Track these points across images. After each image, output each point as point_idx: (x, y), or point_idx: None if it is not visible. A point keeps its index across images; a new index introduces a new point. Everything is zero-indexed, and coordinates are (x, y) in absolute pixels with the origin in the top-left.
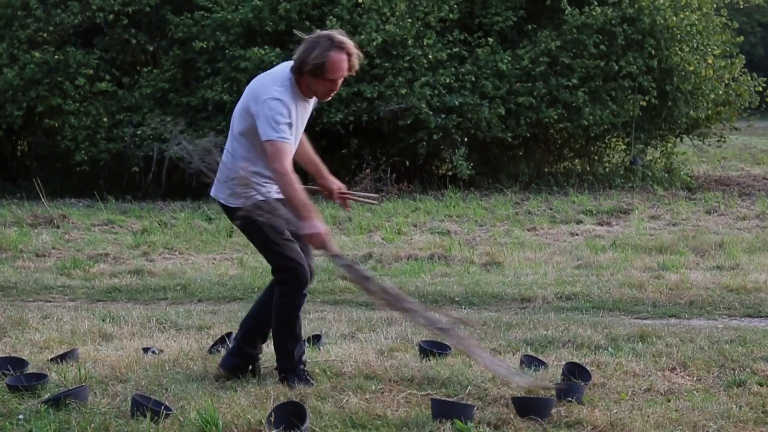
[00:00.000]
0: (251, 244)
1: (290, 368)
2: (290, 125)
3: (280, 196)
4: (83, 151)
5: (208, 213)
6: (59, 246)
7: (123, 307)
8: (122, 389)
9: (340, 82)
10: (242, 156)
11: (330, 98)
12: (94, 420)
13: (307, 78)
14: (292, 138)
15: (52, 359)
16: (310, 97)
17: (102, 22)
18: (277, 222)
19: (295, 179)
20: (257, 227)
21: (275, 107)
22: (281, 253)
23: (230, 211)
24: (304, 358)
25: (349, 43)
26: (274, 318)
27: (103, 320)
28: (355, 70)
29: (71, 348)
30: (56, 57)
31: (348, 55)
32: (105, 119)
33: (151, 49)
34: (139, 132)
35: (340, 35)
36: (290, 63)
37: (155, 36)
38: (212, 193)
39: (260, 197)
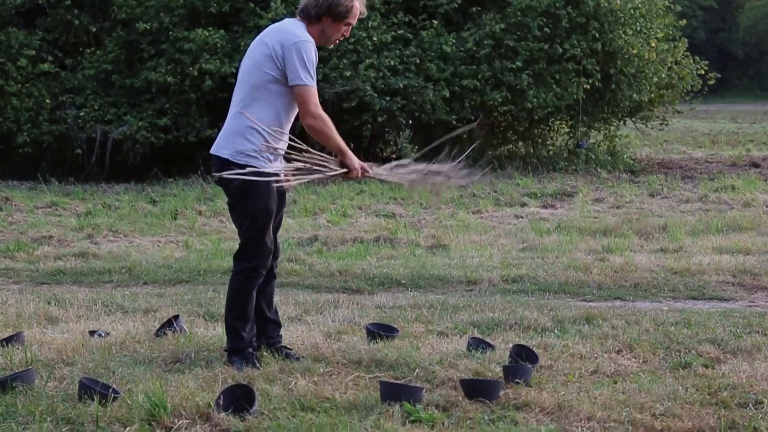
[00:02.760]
0: (196, 226)
1: (238, 349)
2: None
3: (280, 170)
4: (26, 133)
5: (152, 195)
6: (2, 228)
7: (68, 290)
8: (69, 372)
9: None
10: (259, 114)
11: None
12: (41, 403)
13: (326, 23)
14: None
15: None
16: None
17: (44, 3)
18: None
19: (329, 121)
20: (252, 197)
21: (309, 50)
22: (260, 231)
23: (228, 168)
24: (254, 341)
25: None
26: (228, 296)
27: (49, 303)
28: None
29: (17, 331)
30: None
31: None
32: (48, 101)
33: (94, 30)
34: (81, 114)
35: None
36: (292, 18)
37: (98, 17)
38: (213, 150)
39: (265, 165)
